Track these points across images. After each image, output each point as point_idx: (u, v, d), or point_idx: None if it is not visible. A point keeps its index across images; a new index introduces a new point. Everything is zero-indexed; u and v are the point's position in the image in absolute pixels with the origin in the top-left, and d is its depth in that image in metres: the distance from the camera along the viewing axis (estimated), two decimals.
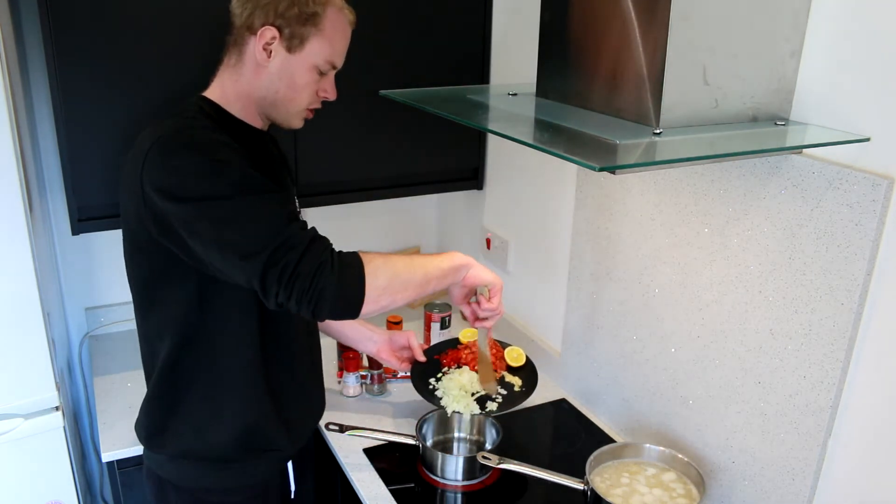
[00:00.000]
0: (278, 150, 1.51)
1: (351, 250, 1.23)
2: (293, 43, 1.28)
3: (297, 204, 1.50)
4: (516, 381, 1.71)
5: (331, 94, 1.38)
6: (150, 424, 1.43)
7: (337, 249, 1.22)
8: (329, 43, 1.31)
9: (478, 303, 1.47)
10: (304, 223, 1.23)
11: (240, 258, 1.17)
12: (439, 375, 1.70)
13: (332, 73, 1.37)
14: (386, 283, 1.22)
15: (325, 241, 1.21)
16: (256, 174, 1.22)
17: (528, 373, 1.74)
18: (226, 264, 1.20)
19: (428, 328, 2.13)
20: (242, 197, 1.18)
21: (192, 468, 1.43)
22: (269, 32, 1.27)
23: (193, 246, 1.22)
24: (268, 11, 1.27)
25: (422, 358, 1.72)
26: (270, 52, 1.29)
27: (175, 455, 1.42)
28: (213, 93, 1.35)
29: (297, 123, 1.39)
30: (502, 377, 1.71)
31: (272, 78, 1.31)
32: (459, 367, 1.73)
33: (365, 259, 1.22)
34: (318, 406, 1.62)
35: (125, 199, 1.30)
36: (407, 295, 1.26)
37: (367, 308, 1.21)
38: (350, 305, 1.20)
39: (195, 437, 1.40)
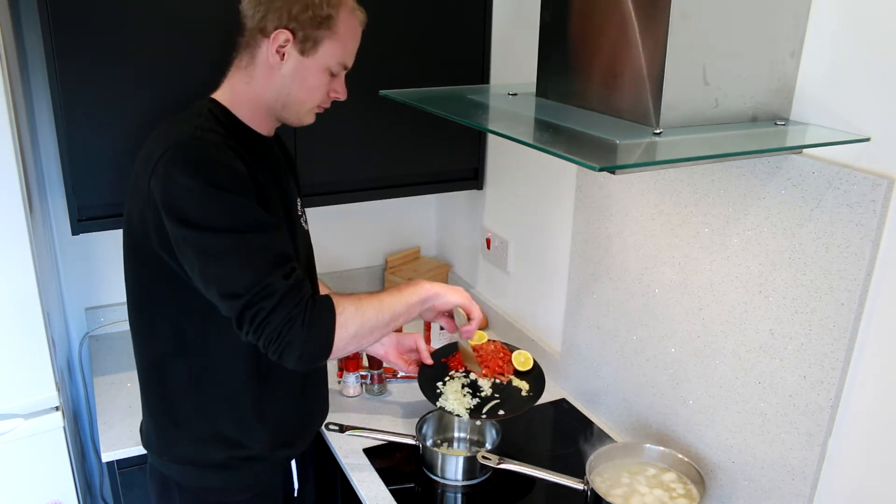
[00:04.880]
0: (285, 152, 1.51)
1: (325, 296, 1.27)
2: (306, 46, 1.28)
3: (300, 206, 1.50)
4: (524, 386, 1.69)
5: (342, 95, 1.38)
6: (154, 437, 1.45)
7: (313, 296, 1.24)
8: (342, 45, 1.31)
9: (459, 327, 1.55)
10: (291, 267, 1.23)
11: (219, 296, 1.22)
12: (446, 379, 1.69)
13: (343, 74, 1.37)
14: (355, 332, 1.27)
15: (301, 292, 1.22)
16: (255, 208, 1.23)
17: (535, 377, 1.71)
18: (207, 293, 1.24)
19: (428, 328, 2.13)
20: (233, 234, 1.20)
21: (196, 470, 1.43)
22: (283, 35, 1.26)
23: (183, 264, 1.25)
24: (281, 14, 1.25)
25: (429, 361, 1.71)
26: (283, 54, 1.28)
27: (178, 461, 1.43)
28: (223, 95, 1.35)
29: (309, 120, 1.39)
30: (510, 381, 1.70)
31: (284, 80, 1.30)
32: (467, 371, 1.72)
33: (338, 308, 1.25)
34: (320, 412, 1.61)
35: (132, 200, 1.30)
36: (374, 338, 1.32)
37: (333, 356, 1.26)
38: (315, 358, 1.25)
39: (196, 450, 1.42)
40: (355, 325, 1.26)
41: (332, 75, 1.34)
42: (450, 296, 1.47)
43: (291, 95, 1.32)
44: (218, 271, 1.20)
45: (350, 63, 1.36)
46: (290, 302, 1.20)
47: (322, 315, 1.23)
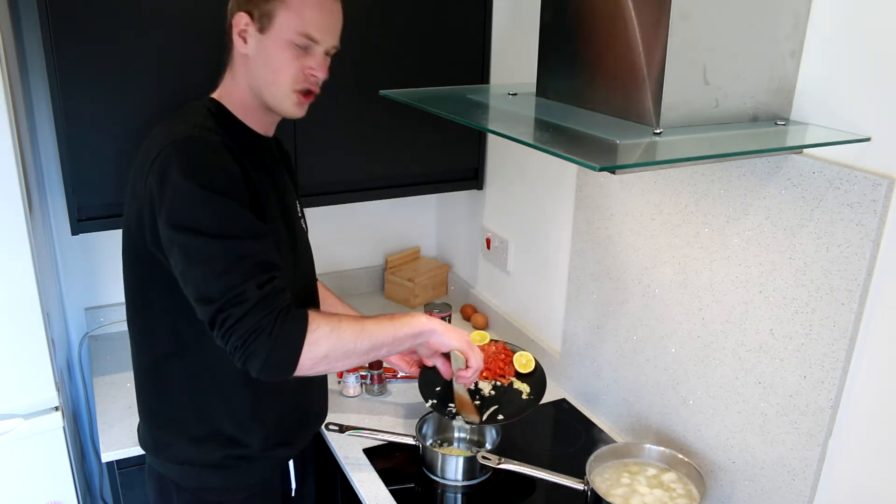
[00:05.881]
0: (282, 151, 1.51)
1: (302, 310, 1.23)
2: (263, 23, 1.26)
3: (299, 207, 1.50)
4: (524, 389, 1.68)
5: (319, 72, 1.32)
6: (151, 438, 1.45)
7: (288, 308, 1.21)
8: (296, 14, 1.26)
9: (455, 371, 1.46)
10: (269, 276, 1.21)
11: (194, 298, 1.22)
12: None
13: (319, 50, 1.31)
14: (325, 353, 1.23)
15: (274, 303, 1.20)
16: (244, 214, 1.22)
17: (536, 379, 1.70)
18: (186, 293, 1.24)
19: None
20: (217, 239, 1.19)
21: (194, 470, 1.43)
22: (242, 19, 1.27)
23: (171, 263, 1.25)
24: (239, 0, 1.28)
25: (430, 362, 1.71)
26: (246, 38, 1.28)
27: (175, 461, 1.43)
28: (219, 94, 1.36)
29: (294, 110, 1.33)
30: (510, 383, 1.69)
31: (254, 64, 1.30)
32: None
33: (311, 326, 1.22)
34: (319, 412, 1.60)
35: (130, 200, 1.31)
36: (349, 363, 1.29)
37: (300, 373, 1.23)
38: (279, 371, 1.21)
39: (194, 451, 1.42)
40: (326, 346, 1.23)
41: (300, 49, 1.28)
42: (447, 336, 1.38)
43: (261, 77, 1.30)
44: (196, 274, 1.20)
45: (316, 34, 1.28)
46: (261, 312, 1.18)
47: (292, 330, 1.20)
